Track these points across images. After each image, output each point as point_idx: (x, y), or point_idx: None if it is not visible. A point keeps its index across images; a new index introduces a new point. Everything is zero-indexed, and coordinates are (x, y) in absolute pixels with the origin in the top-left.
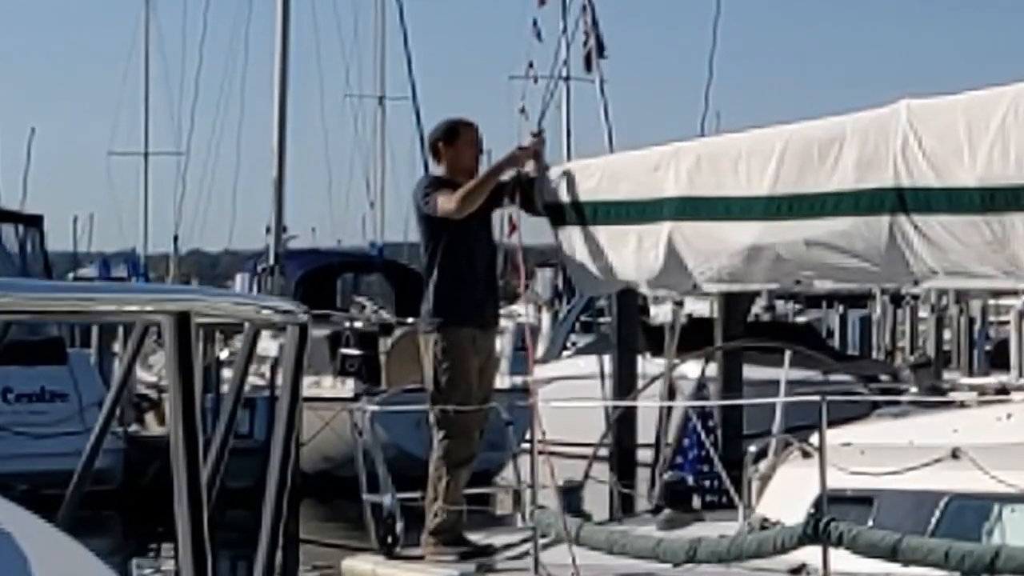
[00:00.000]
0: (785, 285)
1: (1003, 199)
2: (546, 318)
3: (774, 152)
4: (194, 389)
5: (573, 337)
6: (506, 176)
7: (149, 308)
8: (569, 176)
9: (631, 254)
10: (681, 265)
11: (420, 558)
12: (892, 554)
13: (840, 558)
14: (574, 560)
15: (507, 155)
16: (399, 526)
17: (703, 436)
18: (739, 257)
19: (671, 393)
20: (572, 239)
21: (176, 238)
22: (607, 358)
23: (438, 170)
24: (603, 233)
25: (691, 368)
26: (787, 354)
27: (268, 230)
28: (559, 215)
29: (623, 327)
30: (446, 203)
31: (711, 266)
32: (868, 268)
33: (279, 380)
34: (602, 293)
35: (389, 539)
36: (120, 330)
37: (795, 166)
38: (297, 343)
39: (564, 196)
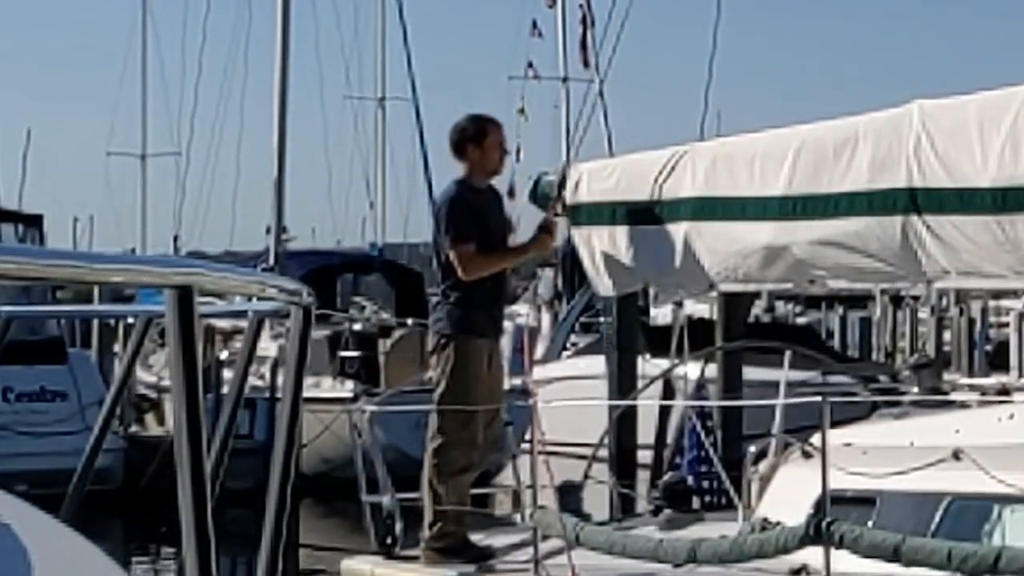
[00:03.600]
0: (799, 284)
1: (1015, 199)
2: (546, 318)
3: (789, 152)
4: (196, 364)
5: (573, 338)
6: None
7: (149, 280)
8: (587, 177)
9: (648, 254)
10: (697, 265)
11: (419, 559)
12: (894, 555)
13: (841, 559)
14: (571, 561)
15: (536, 239)
16: (398, 526)
17: (702, 437)
18: (754, 257)
19: (670, 393)
20: (589, 239)
21: (176, 238)
22: (607, 358)
23: (461, 168)
24: (620, 233)
25: (690, 369)
26: (787, 355)
27: (268, 231)
28: (576, 215)
29: (623, 328)
30: (458, 261)
31: (727, 266)
32: (881, 268)
33: (279, 381)
34: (618, 293)
35: (388, 539)
36: (120, 330)
37: (809, 166)
38: (301, 326)
39: (581, 196)
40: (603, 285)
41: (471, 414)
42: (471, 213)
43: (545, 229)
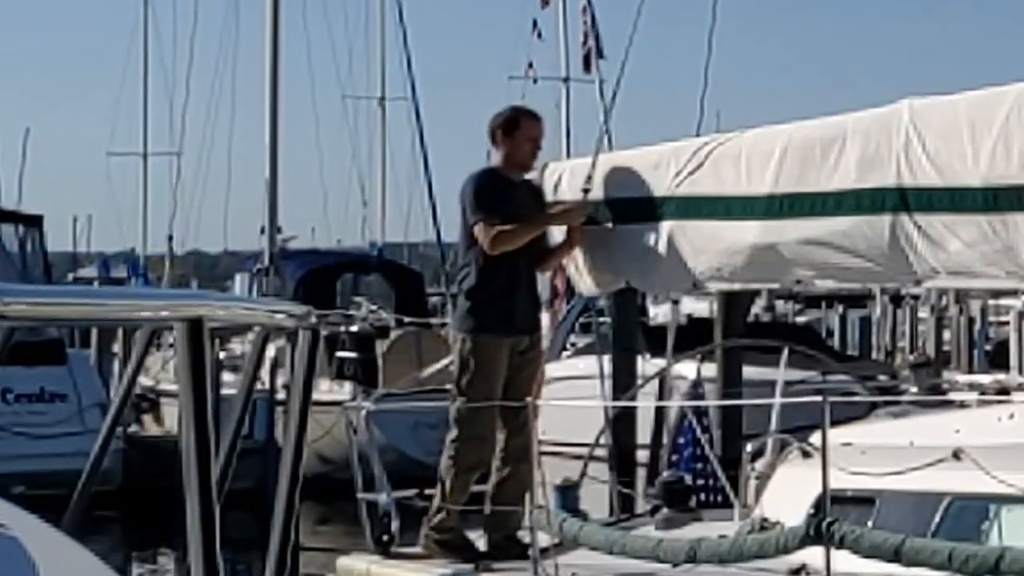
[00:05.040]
0: (786, 284)
1: (1005, 199)
2: (545, 318)
3: (776, 151)
4: (207, 396)
5: (572, 338)
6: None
7: (162, 313)
8: (568, 175)
9: (631, 253)
10: (681, 264)
11: (416, 556)
12: (895, 556)
13: (840, 559)
14: (568, 560)
15: (563, 210)
16: (395, 525)
17: (699, 435)
18: (740, 256)
19: (667, 392)
20: None
21: (171, 238)
22: (606, 358)
23: (495, 158)
24: (604, 232)
25: (688, 368)
26: (784, 353)
27: (263, 231)
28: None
29: (621, 327)
30: (484, 235)
31: (711, 265)
32: (870, 267)
33: (279, 382)
34: (601, 292)
35: (385, 538)
36: (120, 331)
37: (797, 165)
38: (309, 347)
39: (563, 195)
40: (585, 284)
41: (477, 411)
42: (497, 196)
43: (572, 209)
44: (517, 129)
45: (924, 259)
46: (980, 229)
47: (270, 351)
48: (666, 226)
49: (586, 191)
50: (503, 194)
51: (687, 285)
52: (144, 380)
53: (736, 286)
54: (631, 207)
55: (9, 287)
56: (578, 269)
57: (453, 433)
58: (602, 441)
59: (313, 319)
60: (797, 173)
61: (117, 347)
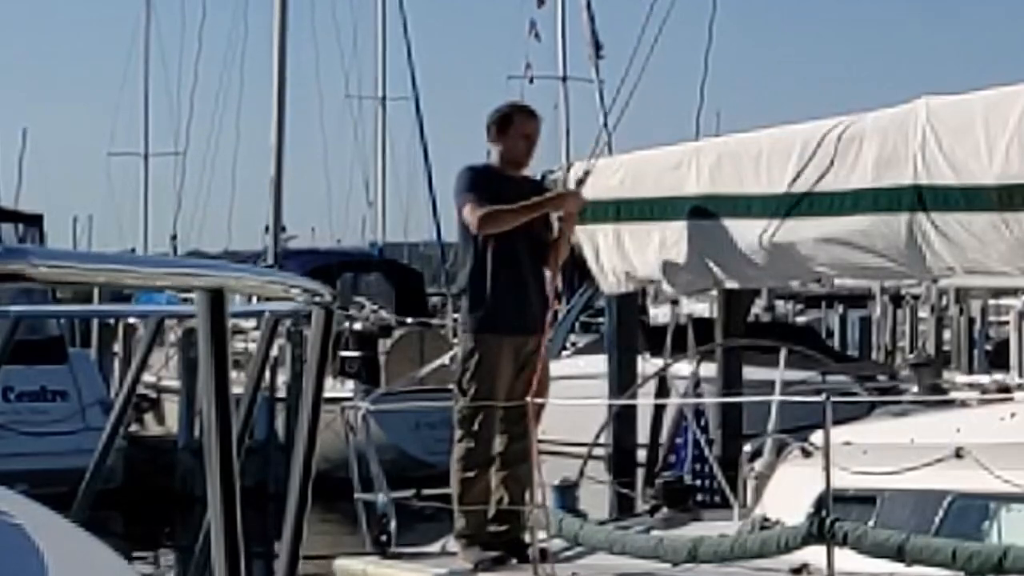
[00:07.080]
0: (805, 282)
1: (1021, 197)
2: None
3: (794, 150)
4: (227, 366)
5: (573, 337)
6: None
7: (182, 282)
8: (594, 175)
9: (653, 252)
10: (702, 262)
11: (413, 556)
12: (898, 554)
13: (842, 558)
14: (569, 560)
15: (555, 196)
16: (392, 525)
17: (697, 435)
18: (760, 255)
19: (665, 393)
20: (594, 237)
21: (174, 237)
22: (607, 358)
23: (492, 155)
24: (625, 231)
25: (687, 367)
26: (782, 353)
27: (267, 230)
28: (581, 212)
29: (622, 327)
30: (471, 213)
31: (732, 263)
32: (887, 265)
33: (279, 380)
34: (623, 291)
35: (382, 538)
36: (120, 330)
37: (815, 164)
38: (323, 327)
39: (586, 194)
40: (607, 283)
41: (479, 409)
42: (487, 187)
43: (567, 193)
44: (511, 126)
45: (940, 257)
46: (995, 227)
47: (271, 349)
48: (687, 225)
49: (579, 182)
50: (497, 188)
51: (708, 283)
52: (146, 376)
53: (755, 284)
54: (652, 206)
55: (36, 249)
56: (601, 268)
57: (458, 434)
58: (601, 440)
59: (327, 296)
60: (815, 172)
61: (118, 346)
